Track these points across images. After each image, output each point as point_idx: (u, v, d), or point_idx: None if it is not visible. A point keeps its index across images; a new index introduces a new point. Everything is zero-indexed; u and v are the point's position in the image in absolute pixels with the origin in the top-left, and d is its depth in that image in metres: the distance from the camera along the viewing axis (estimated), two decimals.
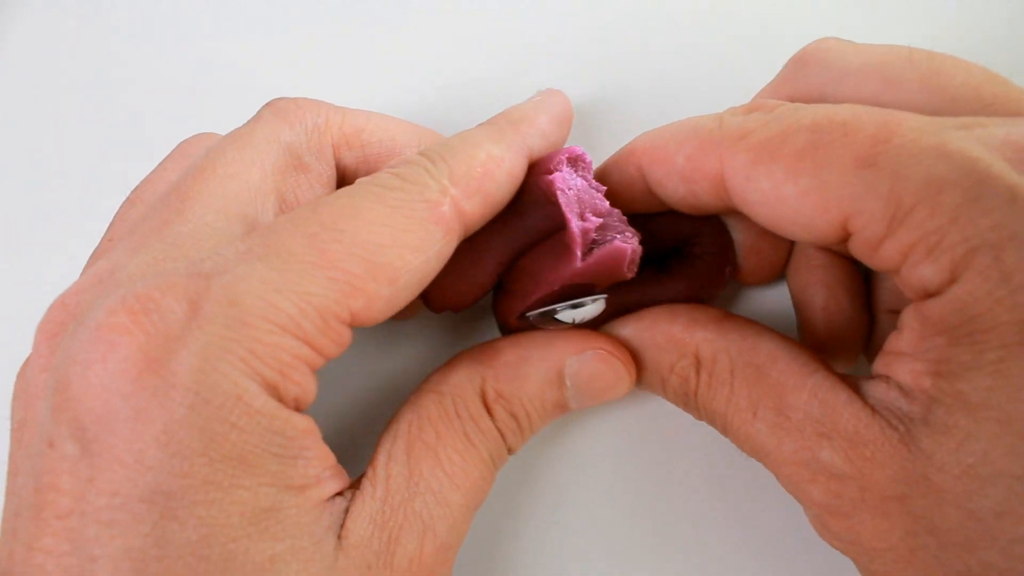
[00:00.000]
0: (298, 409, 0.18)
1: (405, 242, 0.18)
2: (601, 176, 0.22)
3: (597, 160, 0.22)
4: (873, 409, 0.18)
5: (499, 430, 0.20)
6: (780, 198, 0.18)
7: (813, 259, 0.22)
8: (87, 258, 0.21)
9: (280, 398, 0.17)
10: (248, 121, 0.22)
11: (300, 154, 0.21)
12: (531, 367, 0.21)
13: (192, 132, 0.27)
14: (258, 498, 0.17)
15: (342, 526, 0.18)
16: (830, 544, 0.19)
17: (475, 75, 0.27)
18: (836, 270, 0.22)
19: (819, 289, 0.22)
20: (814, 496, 0.18)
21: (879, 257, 0.17)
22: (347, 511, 0.18)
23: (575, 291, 0.21)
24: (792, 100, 0.21)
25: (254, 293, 0.17)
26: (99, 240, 0.22)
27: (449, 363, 0.21)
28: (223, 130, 0.27)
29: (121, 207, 0.21)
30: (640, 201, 0.22)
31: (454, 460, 0.19)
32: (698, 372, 0.20)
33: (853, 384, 0.19)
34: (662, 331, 0.21)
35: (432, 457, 0.19)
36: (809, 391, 0.18)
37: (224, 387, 0.16)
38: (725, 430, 0.20)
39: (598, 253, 0.20)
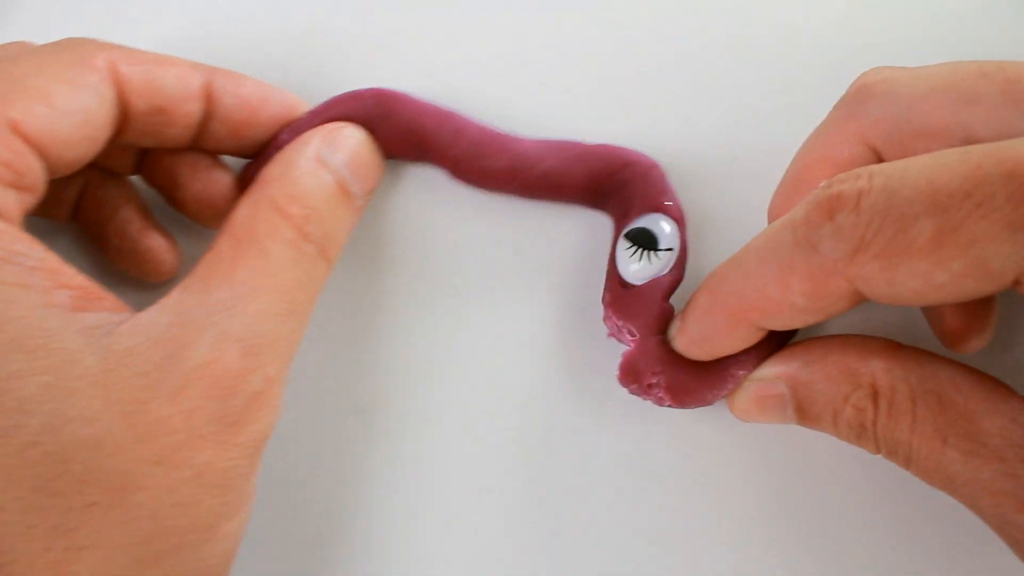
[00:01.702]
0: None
1: (54, 74, 0.20)
2: (702, 350, 0.22)
3: None
4: None
5: (299, 230, 0.21)
6: (934, 286, 0.17)
7: None
8: None
9: None
10: None
11: None
12: (299, 165, 0.21)
13: None
14: None
15: (110, 336, 0.18)
16: None
17: None
18: None
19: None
20: None
21: None
22: (119, 327, 0.18)
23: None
24: (861, 136, 0.20)
25: None
26: None
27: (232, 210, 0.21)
28: None
29: None
30: (747, 343, 0.21)
31: (252, 274, 0.19)
32: (875, 402, 0.20)
33: None
34: (834, 362, 0.20)
35: (228, 280, 0.19)
36: (1005, 416, 0.18)
37: None
38: (908, 461, 0.19)
39: None
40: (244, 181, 0.24)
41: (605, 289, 0.23)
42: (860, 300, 0.18)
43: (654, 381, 0.22)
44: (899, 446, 0.19)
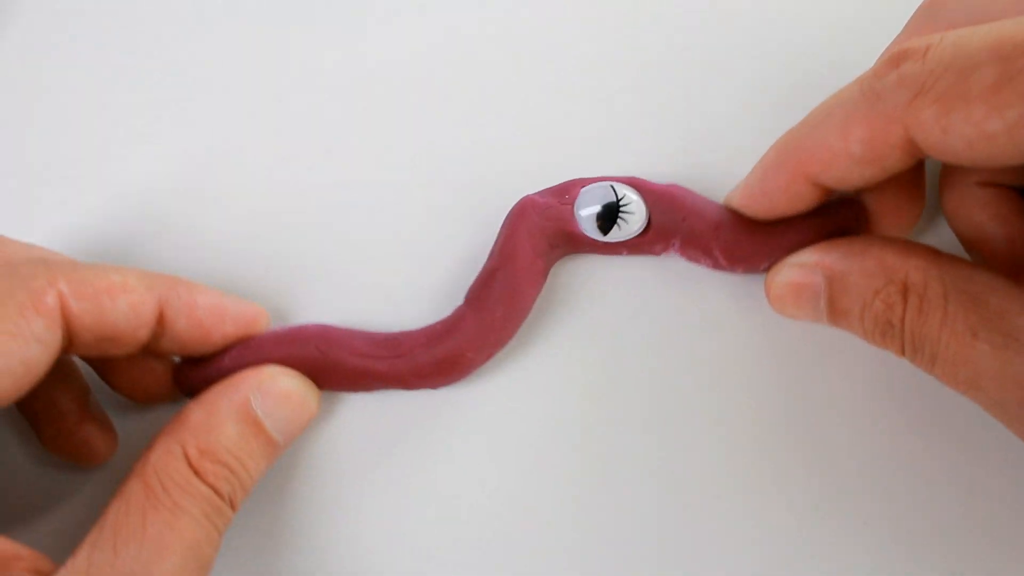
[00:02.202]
0: None
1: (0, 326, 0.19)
2: (756, 203, 0.22)
3: None
4: None
5: (211, 486, 0.20)
6: (987, 136, 0.17)
7: (980, 198, 0.22)
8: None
9: None
10: None
11: None
12: (221, 414, 0.21)
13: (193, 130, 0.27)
14: None
15: None
16: None
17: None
18: (1005, 201, 0.22)
19: (996, 223, 0.22)
20: None
21: None
22: None
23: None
24: None
25: None
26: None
27: (148, 445, 0.21)
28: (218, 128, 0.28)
29: None
30: (811, 204, 0.22)
31: (162, 532, 0.19)
32: (905, 298, 0.20)
33: None
34: (873, 256, 0.21)
35: (138, 538, 0.19)
36: None
37: None
38: (934, 359, 0.19)
39: None
40: (179, 378, 0.24)
41: (657, 248, 0.24)
42: (915, 155, 0.19)
43: (713, 243, 0.23)
44: (926, 342, 0.19)
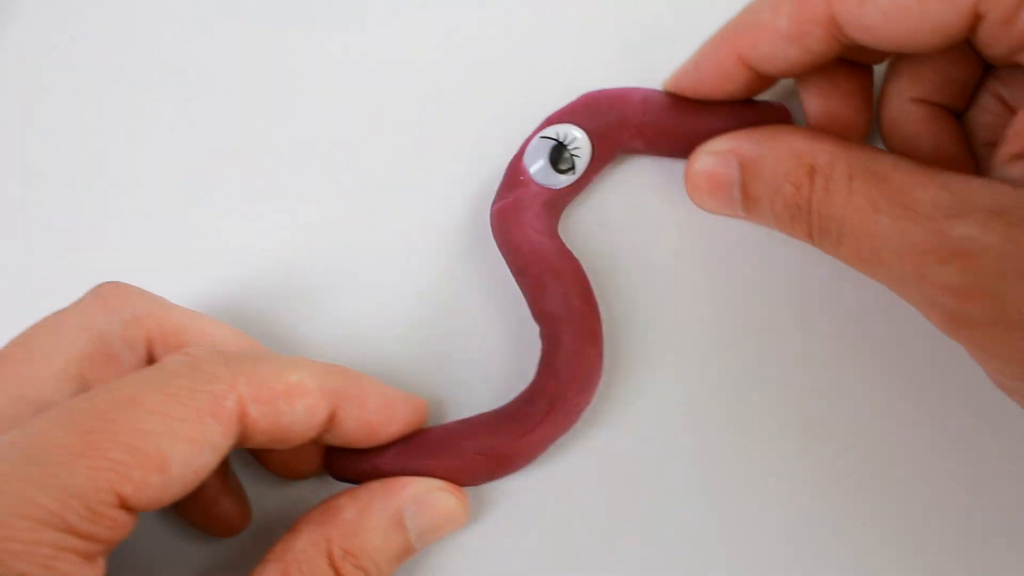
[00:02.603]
0: None
1: (177, 431, 0.18)
2: (687, 80, 0.23)
3: None
4: (1014, 184, 0.19)
5: None
6: (901, 7, 0.18)
7: (914, 113, 0.22)
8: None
9: None
10: (70, 304, 0.21)
11: (111, 342, 0.21)
12: (373, 518, 0.21)
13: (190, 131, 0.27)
14: None
15: None
16: (961, 339, 0.19)
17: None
18: (938, 119, 0.22)
19: (926, 140, 0.22)
20: (948, 279, 0.18)
21: (1014, 31, 0.18)
22: None
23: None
24: None
25: (10, 491, 0.16)
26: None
27: (291, 530, 0.21)
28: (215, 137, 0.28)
29: None
30: (739, 87, 0.22)
31: None
32: (812, 179, 0.21)
33: (984, 174, 0.20)
34: (783, 141, 0.22)
35: None
36: (938, 185, 0.19)
37: None
38: (840, 238, 0.20)
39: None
40: (330, 462, 0.23)
41: (608, 153, 0.24)
42: (836, 36, 0.20)
43: (643, 118, 0.24)
44: (832, 221, 0.20)
